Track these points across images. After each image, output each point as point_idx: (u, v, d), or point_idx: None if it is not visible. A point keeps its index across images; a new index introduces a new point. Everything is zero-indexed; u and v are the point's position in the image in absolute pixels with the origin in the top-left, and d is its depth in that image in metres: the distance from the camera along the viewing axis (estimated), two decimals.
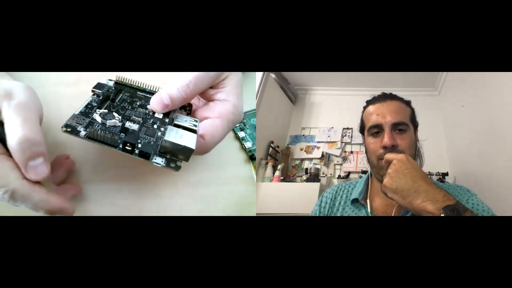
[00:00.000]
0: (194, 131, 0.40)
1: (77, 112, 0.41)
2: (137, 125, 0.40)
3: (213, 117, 0.43)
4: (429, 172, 1.15)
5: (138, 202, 0.47)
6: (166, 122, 0.42)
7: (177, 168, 0.38)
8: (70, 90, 0.51)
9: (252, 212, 0.50)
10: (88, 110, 0.41)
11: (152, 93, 0.46)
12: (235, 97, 0.44)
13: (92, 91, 0.44)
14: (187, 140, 0.38)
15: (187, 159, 0.39)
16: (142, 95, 0.47)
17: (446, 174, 1.17)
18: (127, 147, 0.38)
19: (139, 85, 0.47)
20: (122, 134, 0.39)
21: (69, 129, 0.39)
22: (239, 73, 0.47)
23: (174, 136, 0.39)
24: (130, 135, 0.38)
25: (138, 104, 0.44)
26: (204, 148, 0.42)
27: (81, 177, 0.47)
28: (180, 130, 0.40)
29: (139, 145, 0.38)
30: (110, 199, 0.46)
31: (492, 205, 0.47)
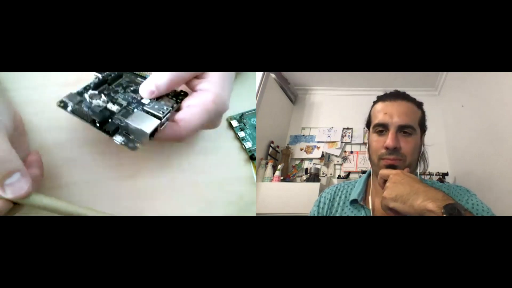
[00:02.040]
0: (159, 118, 0.42)
1: (74, 91, 0.43)
2: (118, 107, 0.42)
3: (192, 105, 0.44)
4: (429, 172, 1.15)
5: (138, 202, 0.47)
6: (142, 108, 0.43)
7: (134, 148, 0.39)
8: (70, 90, 0.50)
9: (252, 212, 0.50)
10: (84, 91, 0.44)
11: None
12: (217, 87, 0.45)
13: (94, 75, 0.46)
14: (147, 125, 0.40)
15: (142, 142, 0.40)
16: (140, 81, 0.48)
17: (446, 174, 1.17)
18: (97, 124, 0.40)
19: (141, 72, 0.49)
20: (100, 113, 0.41)
21: (61, 104, 0.42)
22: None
23: (136, 120, 0.41)
24: (99, 114, 0.40)
25: (132, 89, 0.46)
26: (177, 133, 0.43)
27: (80, 177, 0.47)
28: (145, 115, 0.42)
29: (107, 124, 0.40)
30: (109, 199, 0.46)
31: (492, 205, 0.47)
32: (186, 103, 0.45)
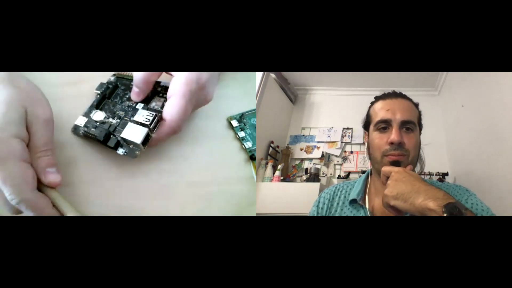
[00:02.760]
0: (147, 126, 0.45)
1: (82, 114, 0.48)
2: (117, 120, 0.48)
3: (170, 95, 0.45)
4: (429, 172, 1.15)
5: (138, 202, 0.47)
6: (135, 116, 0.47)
7: (134, 156, 0.45)
8: (71, 90, 0.51)
9: (252, 212, 0.51)
10: (89, 112, 0.48)
11: None
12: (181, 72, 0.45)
13: (95, 92, 0.50)
14: (137, 135, 0.45)
15: (139, 149, 0.45)
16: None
17: (446, 174, 1.17)
18: (102, 141, 0.46)
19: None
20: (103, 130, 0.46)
21: (73, 130, 0.47)
22: None
23: (128, 132, 0.45)
24: (100, 133, 0.46)
25: (127, 96, 0.50)
26: (168, 129, 0.45)
27: (81, 177, 0.47)
28: (134, 126, 0.46)
29: (110, 140, 0.46)
30: (110, 199, 0.46)
31: (492, 205, 0.47)
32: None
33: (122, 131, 0.46)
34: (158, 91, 0.49)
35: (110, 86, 0.50)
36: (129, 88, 0.50)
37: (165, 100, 0.47)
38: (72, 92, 0.50)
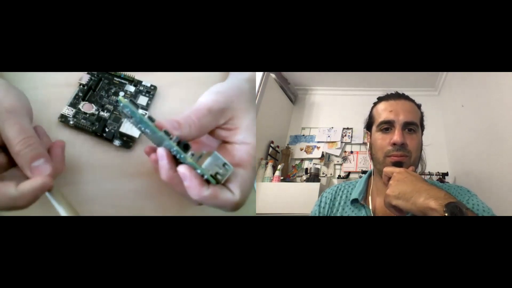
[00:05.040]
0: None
1: (68, 104, 0.49)
2: (108, 114, 0.50)
3: (235, 164, 0.39)
4: (429, 172, 1.15)
5: (138, 202, 0.47)
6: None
7: (128, 147, 0.49)
8: (70, 90, 0.51)
9: (252, 212, 0.50)
10: (75, 101, 0.50)
11: (126, 79, 0.53)
12: (253, 138, 0.41)
13: (79, 82, 0.51)
14: (135, 130, 0.49)
15: (133, 142, 0.49)
16: (117, 81, 0.53)
17: (446, 174, 1.17)
18: (97, 134, 0.48)
19: (116, 72, 0.54)
20: (96, 123, 0.49)
21: (62, 119, 0.48)
22: (251, 109, 0.42)
23: (126, 127, 0.49)
24: (98, 127, 0.49)
25: (112, 91, 0.52)
26: (236, 205, 0.38)
27: (81, 177, 0.47)
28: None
29: (105, 133, 0.49)
30: (110, 199, 0.46)
31: (492, 205, 0.47)
32: (237, 161, 0.40)
33: (115, 124, 0.49)
34: (141, 90, 0.53)
35: (94, 78, 0.52)
36: (113, 83, 0.53)
37: (149, 99, 0.52)
38: (72, 92, 0.50)
